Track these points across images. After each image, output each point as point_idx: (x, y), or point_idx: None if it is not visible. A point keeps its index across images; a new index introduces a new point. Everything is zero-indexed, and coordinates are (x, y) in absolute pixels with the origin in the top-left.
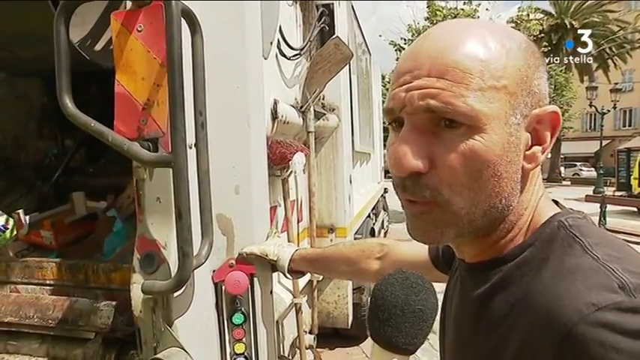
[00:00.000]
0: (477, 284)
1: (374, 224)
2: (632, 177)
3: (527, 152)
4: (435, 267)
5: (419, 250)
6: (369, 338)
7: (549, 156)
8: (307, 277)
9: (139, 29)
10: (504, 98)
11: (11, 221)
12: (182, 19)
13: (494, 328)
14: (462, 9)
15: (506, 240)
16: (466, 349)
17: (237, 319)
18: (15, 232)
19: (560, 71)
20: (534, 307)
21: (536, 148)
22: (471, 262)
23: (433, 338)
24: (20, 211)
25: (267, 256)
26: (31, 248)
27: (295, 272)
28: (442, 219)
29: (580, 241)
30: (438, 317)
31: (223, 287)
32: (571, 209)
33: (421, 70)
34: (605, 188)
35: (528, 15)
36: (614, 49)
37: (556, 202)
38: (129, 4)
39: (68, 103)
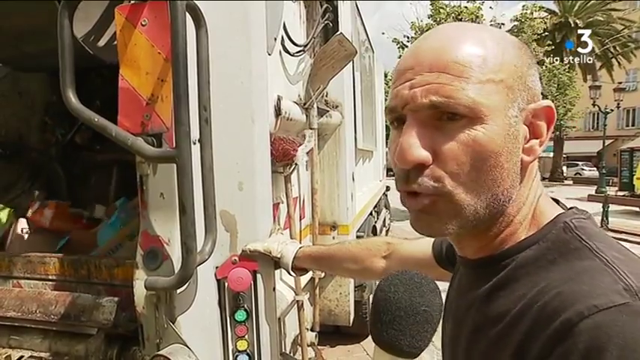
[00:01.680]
0: (480, 281)
1: (376, 222)
2: (634, 177)
3: (525, 145)
4: (438, 264)
5: (424, 248)
6: (371, 337)
7: (551, 155)
8: (309, 274)
9: (144, 23)
10: (503, 91)
11: (5, 212)
12: (187, 13)
13: (496, 324)
14: (466, 7)
15: (506, 234)
16: (467, 345)
17: (240, 316)
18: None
19: (564, 70)
20: (539, 306)
21: (534, 142)
22: (473, 258)
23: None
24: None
25: (270, 253)
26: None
27: (299, 269)
28: (445, 211)
29: (587, 244)
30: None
31: (226, 284)
32: (575, 208)
33: (422, 66)
34: (608, 188)
35: (532, 13)
36: (618, 48)
37: (557, 202)
38: None
39: (72, 97)
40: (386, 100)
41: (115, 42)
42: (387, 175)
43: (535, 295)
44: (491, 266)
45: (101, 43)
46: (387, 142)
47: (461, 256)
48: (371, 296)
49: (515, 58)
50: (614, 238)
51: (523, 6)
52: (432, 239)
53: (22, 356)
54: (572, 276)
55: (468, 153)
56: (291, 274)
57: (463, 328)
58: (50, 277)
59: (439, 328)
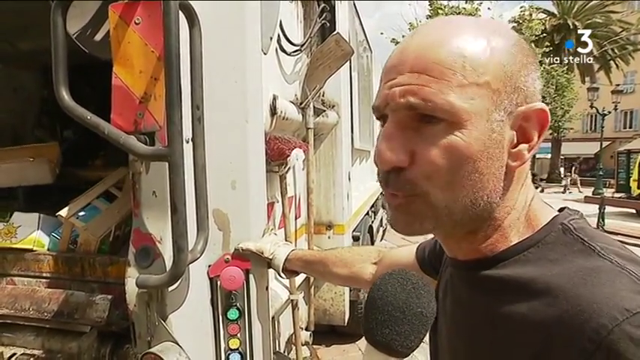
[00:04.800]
0: (474, 283)
1: (372, 222)
2: (631, 179)
3: (512, 150)
4: (422, 270)
5: (409, 254)
6: (363, 335)
7: (549, 156)
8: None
9: (137, 22)
10: (486, 94)
11: None
12: (180, 12)
13: (499, 327)
14: (464, 8)
15: (496, 238)
16: (467, 349)
17: (232, 314)
18: None
19: (562, 72)
20: (558, 312)
21: (523, 146)
22: (465, 259)
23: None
24: None
25: (262, 253)
26: None
27: (290, 272)
28: (420, 210)
29: (591, 245)
30: None
31: (219, 282)
32: (567, 209)
33: (405, 65)
34: (605, 189)
35: (531, 15)
36: (616, 50)
37: (563, 209)
38: None
39: (65, 95)
40: None
41: (109, 40)
42: None
43: (543, 298)
44: (485, 268)
45: (95, 40)
46: None
47: (450, 257)
48: (366, 295)
49: (504, 57)
50: None
51: (521, 7)
52: (417, 246)
53: (14, 354)
54: (584, 277)
55: (445, 157)
56: (281, 276)
57: (460, 331)
58: (44, 275)
59: None
